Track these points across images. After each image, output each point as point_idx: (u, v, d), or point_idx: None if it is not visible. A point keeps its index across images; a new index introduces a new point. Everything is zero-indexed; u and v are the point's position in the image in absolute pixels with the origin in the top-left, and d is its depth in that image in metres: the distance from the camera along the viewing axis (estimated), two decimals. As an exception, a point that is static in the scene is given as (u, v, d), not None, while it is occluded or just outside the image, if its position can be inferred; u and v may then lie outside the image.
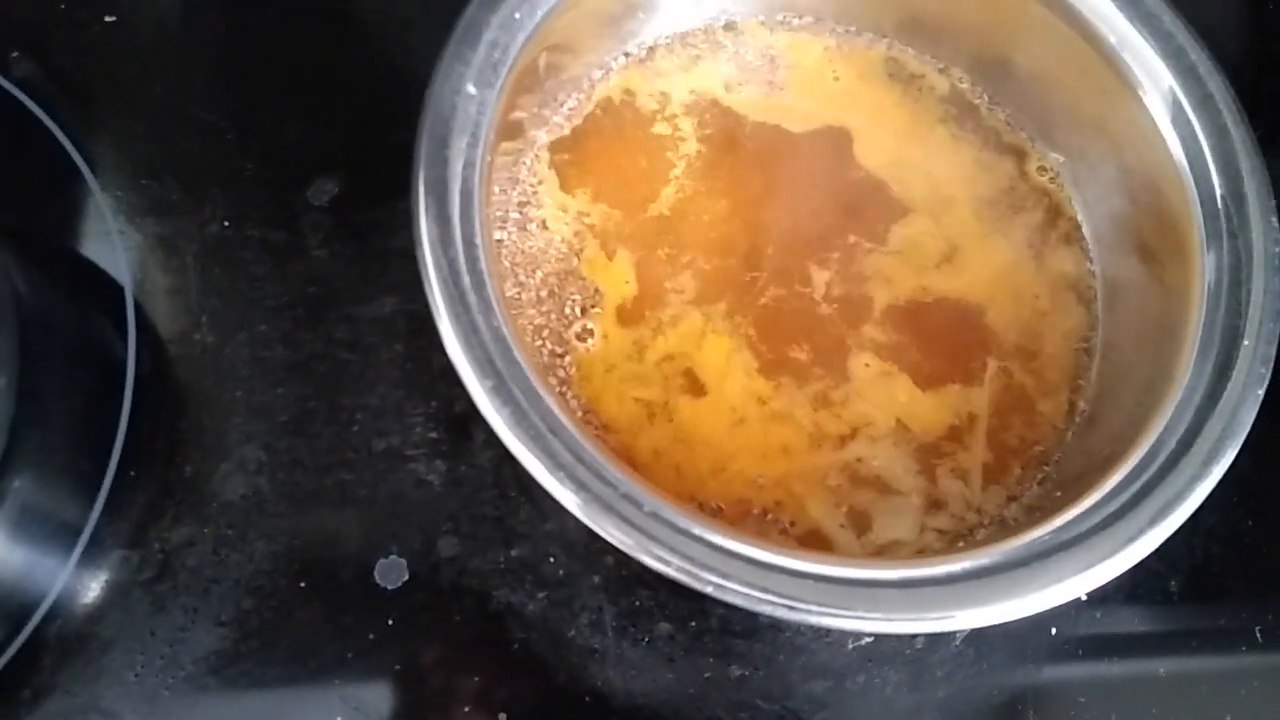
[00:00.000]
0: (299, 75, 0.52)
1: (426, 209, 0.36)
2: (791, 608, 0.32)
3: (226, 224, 0.48)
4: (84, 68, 0.51)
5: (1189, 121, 0.41)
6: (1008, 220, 0.47)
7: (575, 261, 0.44)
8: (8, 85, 0.49)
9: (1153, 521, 0.35)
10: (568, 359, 0.43)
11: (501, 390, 0.34)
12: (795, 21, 0.49)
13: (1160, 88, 0.41)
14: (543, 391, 0.35)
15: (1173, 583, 0.45)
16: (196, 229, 0.48)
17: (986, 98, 0.49)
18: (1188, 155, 0.41)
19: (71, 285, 0.47)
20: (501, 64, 0.39)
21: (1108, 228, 0.46)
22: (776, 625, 0.43)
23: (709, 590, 0.32)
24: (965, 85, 0.49)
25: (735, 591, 0.32)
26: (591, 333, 0.43)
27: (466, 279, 0.36)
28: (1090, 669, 0.43)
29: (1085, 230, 0.47)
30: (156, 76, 0.51)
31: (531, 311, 0.43)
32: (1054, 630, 0.44)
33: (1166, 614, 0.45)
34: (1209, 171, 0.40)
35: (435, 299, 0.35)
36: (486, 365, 0.35)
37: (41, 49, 0.51)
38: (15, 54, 0.50)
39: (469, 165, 0.37)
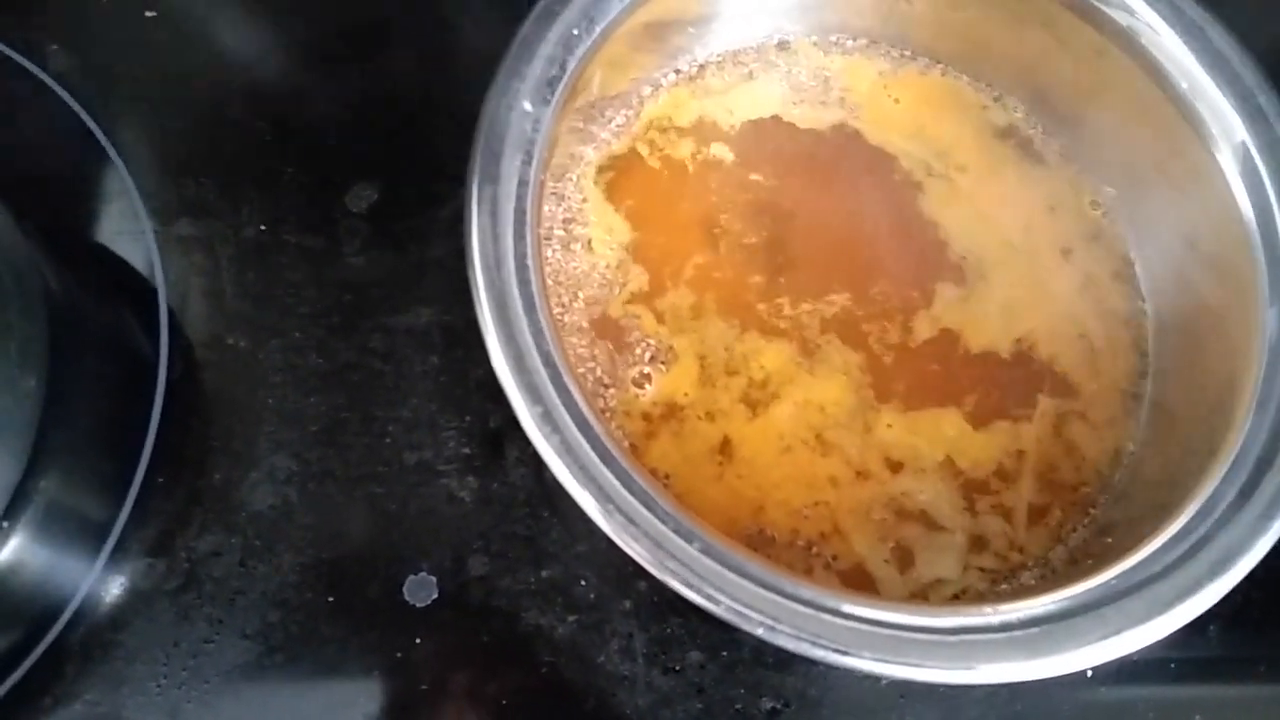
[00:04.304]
0: (340, 78, 0.51)
1: (479, 228, 0.36)
2: (844, 654, 0.32)
3: (263, 227, 0.47)
4: (122, 63, 0.50)
5: (1257, 169, 0.40)
6: (1059, 255, 0.47)
7: (618, 290, 0.44)
8: (45, 79, 0.48)
9: (1211, 574, 0.35)
10: (612, 391, 0.42)
11: (550, 417, 0.34)
12: (849, 43, 0.49)
13: (1230, 137, 0.40)
14: (593, 420, 0.34)
15: (1211, 627, 0.44)
16: (232, 231, 0.47)
17: (1040, 127, 0.48)
18: (1254, 204, 0.39)
19: (103, 285, 0.47)
20: (558, 81, 0.38)
21: (1163, 269, 0.45)
22: (810, 659, 0.42)
23: (759, 633, 0.32)
24: (1019, 115, 0.48)
25: (786, 635, 0.32)
26: (649, 378, 0.43)
27: (518, 301, 0.35)
28: (1127, 709, 0.43)
29: (1139, 269, 0.46)
30: (196, 75, 0.50)
31: (574, 339, 0.42)
32: (1089, 672, 0.43)
33: (1205, 655, 0.44)
34: (1275, 220, 0.39)
35: (485, 320, 0.35)
36: (535, 391, 0.34)
37: (80, 43, 0.50)
38: (54, 47, 0.50)
39: (523, 184, 0.37)
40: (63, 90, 0.48)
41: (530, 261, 0.36)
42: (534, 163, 0.37)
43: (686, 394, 0.43)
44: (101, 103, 0.49)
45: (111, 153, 0.47)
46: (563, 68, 0.39)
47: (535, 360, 0.34)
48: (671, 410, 0.42)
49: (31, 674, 0.40)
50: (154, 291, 0.45)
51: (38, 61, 0.49)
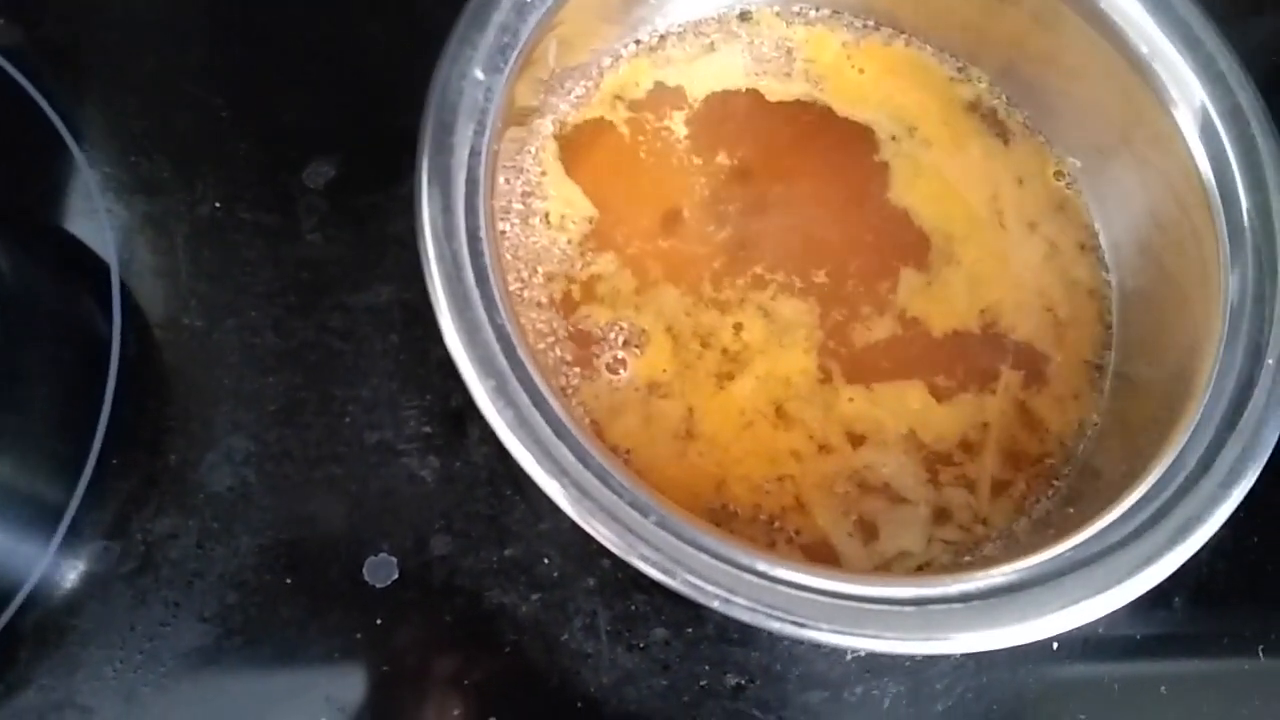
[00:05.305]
0: (297, 52, 0.50)
1: (430, 198, 0.35)
2: (801, 625, 0.31)
3: (218, 205, 0.46)
4: (73, 37, 0.49)
5: (1217, 134, 0.40)
6: (1024, 226, 0.46)
7: (579, 266, 0.43)
8: (-7, 54, 0.47)
9: (1171, 542, 0.35)
10: (576, 369, 0.42)
11: (504, 391, 0.33)
12: (812, 14, 0.48)
13: (1191, 102, 0.40)
14: (547, 393, 0.33)
15: (1176, 598, 0.44)
16: (187, 209, 0.46)
17: (1005, 98, 0.48)
18: (1215, 169, 0.40)
19: (56, 264, 0.46)
20: (510, 49, 0.38)
21: (1126, 238, 0.45)
22: (774, 634, 0.42)
23: (715, 605, 0.32)
24: (984, 85, 0.48)
25: (742, 607, 0.31)
26: (624, 362, 0.42)
27: (470, 273, 0.34)
28: (1092, 683, 0.43)
29: (1102, 239, 0.46)
30: (149, 49, 0.49)
31: (533, 314, 0.42)
32: (1055, 645, 0.43)
33: (1170, 629, 0.44)
34: (1235, 186, 0.39)
35: (437, 292, 0.34)
36: (488, 364, 0.33)
37: (29, 16, 0.49)
38: (1, 21, 0.49)
39: (475, 154, 0.36)
40: (11, 65, 0.47)
41: (483, 233, 0.35)
42: (486, 132, 0.36)
43: (665, 370, 0.42)
44: (52, 79, 0.48)
45: (62, 129, 0.46)
46: (516, 36, 0.38)
47: (488, 334, 0.34)
48: (648, 389, 0.42)
49: (-17, 660, 0.39)
50: (108, 270, 0.45)
51: (-14, 37, 0.48)
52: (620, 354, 0.42)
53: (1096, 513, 0.36)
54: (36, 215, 0.46)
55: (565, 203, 0.44)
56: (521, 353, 0.34)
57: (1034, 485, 0.42)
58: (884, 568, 0.40)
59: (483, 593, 0.41)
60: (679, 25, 0.47)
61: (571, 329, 0.42)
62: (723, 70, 0.47)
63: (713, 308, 0.43)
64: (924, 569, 0.40)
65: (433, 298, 0.34)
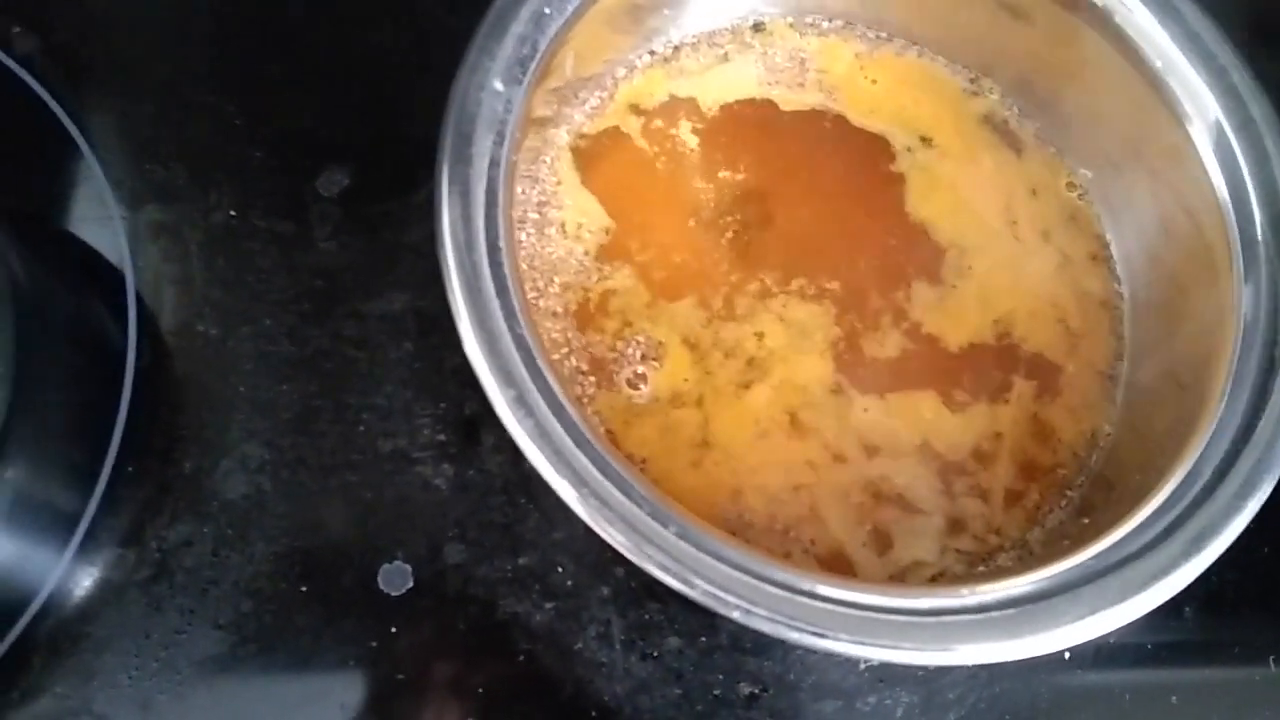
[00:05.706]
0: (310, 60, 0.50)
1: (450, 209, 0.35)
2: (820, 636, 0.31)
3: (232, 213, 0.46)
4: (89, 46, 0.49)
5: (1230, 147, 0.40)
6: (1038, 237, 0.46)
7: (595, 277, 0.43)
8: (9, 62, 0.47)
9: (1186, 554, 0.35)
10: (591, 379, 0.42)
11: (524, 401, 0.33)
12: (825, 25, 0.49)
13: (1205, 116, 0.40)
14: (566, 404, 0.34)
15: (1188, 608, 0.44)
16: (201, 217, 0.46)
17: (1017, 110, 0.48)
18: (1228, 182, 0.40)
19: (71, 271, 0.46)
20: (529, 60, 0.38)
21: (1138, 249, 0.45)
22: (788, 643, 0.42)
23: (735, 616, 0.32)
24: (996, 96, 0.48)
25: (762, 617, 0.31)
26: (645, 377, 0.42)
27: (490, 283, 0.35)
28: (1103, 693, 0.43)
29: (1114, 250, 0.46)
30: (164, 56, 0.49)
31: (549, 324, 0.42)
32: (1067, 654, 0.43)
33: (1181, 638, 0.44)
34: (1249, 199, 0.39)
35: (457, 303, 0.34)
36: (508, 374, 0.34)
37: (45, 25, 0.49)
38: (18, 29, 0.49)
39: (494, 164, 0.36)
40: (27, 74, 0.47)
41: (503, 243, 0.35)
42: (505, 143, 0.37)
43: (686, 379, 0.42)
44: (67, 87, 0.48)
45: (78, 137, 0.46)
46: (534, 47, 0.38)
47: (508, 344, 0.34)
48: (668, 401, 0.42)
49: (-1, 667, 0.39)
50: (122, 278, 0.45)
51: (1, 45, 0.48)
52: (640, 369, 0.42)
53: (1110, 523, 0.36)
54: (51, 222, 0.46)
55: (581, 212, 0.44)
56: (540, 363, 0.34)
57: (1047, 495, 0.42)
58: (898, 577, 0.40)
59: (497, 601, 0.41)
60: (693, 36, 0.48)
61: (587, 342, 0.42)
62: (736, 80, 0.47)
63: (729, 318, 0.43)
64: (938, 579, 0.41)
65: (453, 308, 0.34)
